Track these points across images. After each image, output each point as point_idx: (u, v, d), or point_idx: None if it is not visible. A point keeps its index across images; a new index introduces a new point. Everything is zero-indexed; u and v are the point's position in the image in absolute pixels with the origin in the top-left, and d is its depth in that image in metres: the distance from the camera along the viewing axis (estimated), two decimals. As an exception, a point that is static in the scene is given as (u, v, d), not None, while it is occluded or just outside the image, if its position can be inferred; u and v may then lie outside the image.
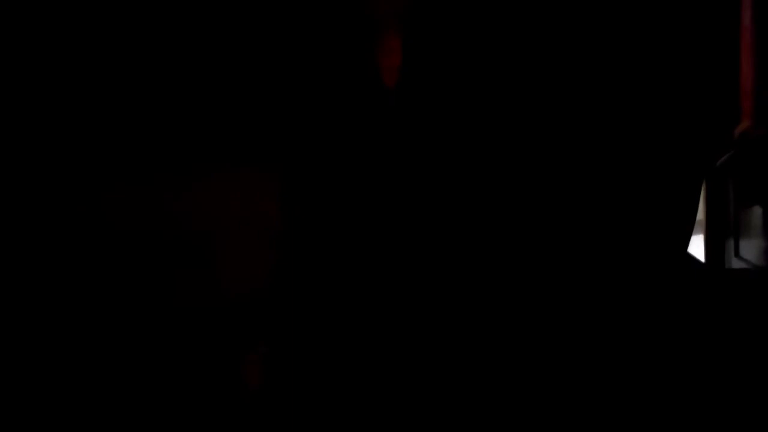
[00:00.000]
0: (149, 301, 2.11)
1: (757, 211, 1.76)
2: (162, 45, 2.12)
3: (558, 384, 1.50)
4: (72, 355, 2.05)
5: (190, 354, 2.06)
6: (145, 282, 2.12)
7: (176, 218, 2.10)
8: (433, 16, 1.65)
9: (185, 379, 2.04)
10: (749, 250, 1.81)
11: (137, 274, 2.12)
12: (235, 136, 2.12)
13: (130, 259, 2.10)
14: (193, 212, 2.08)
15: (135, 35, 2.12)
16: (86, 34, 2.07)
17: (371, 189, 1.63)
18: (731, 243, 1.88)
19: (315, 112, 1.71)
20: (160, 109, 2.15)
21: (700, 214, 1.95)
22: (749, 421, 1.60)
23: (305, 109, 1.72)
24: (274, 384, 1.68)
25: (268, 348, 1.76)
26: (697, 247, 1.94)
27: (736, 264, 1.85)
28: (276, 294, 1.66)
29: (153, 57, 2.09)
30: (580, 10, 1.76)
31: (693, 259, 1.87)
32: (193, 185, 2.13)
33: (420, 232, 1.59)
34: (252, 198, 2.07)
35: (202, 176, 2.13)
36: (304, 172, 1.72)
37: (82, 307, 2.09)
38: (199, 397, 1.97)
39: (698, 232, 1.95)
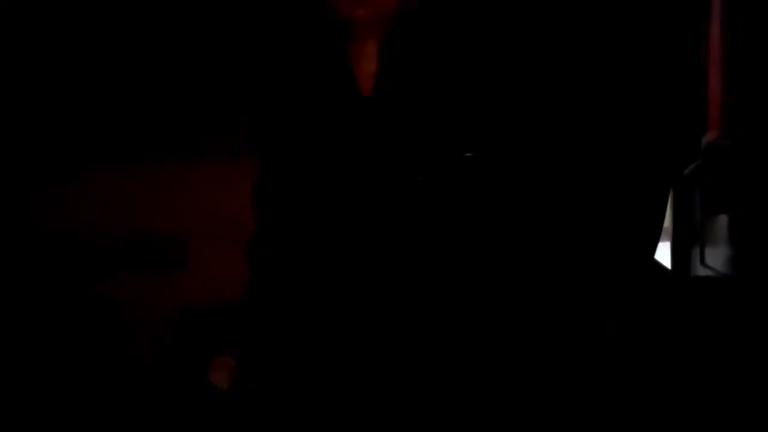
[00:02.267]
0: (116, 302, 2.09)
1: (723, 219, 1.78)
2: (138, 44, 2.11)
3: (525, 381, 1.52)
4: (46, 353, 2.03)
5: (161, 355, 2.04)
6: (111, 282, 2.10)
7: (146, 217, 2.08)
8: (411, 24, 1.65)
9: (156, 380, 2.02)
10: (714, 258, 1.83)
11: (103, 275, 2.09)
12: (207, 137, 2.12)
13: (94, 259, 2.08)
14: (163, 212, 2.06)
15: (105, 34, 2.10)
16: (54, 32, 2.05)
17: (345, 191, 1.63)
18: (697, 251, 1.90)
19: (290, 114, 1.71)
20: (132, 106, 2.13)
21: (667, 222, 1.97)
22: (714, 421, 1.62)
23: (280, 111, 1.73)
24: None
25: (238, 350, 1.76)
26: (663, 255, 1.97)
27: (701, 271, 1.87)
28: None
29: (126, 55, 2.07)
30: (552, 27, 1.78)
31: (660, 267, 1.89)
32: (163, 184, 2.12)
33: (392, 235, 1.60)
34: (224, 198, 2.06)
35: (173, 175, 2.11)
36: (278, 174, 1.72)
37: (46, 304, 2.07)
38: (170, 397, 1.95)
39: (665, 240, 1.97)
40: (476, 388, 1.51)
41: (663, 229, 1.94)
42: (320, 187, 1.65)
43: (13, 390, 2.02)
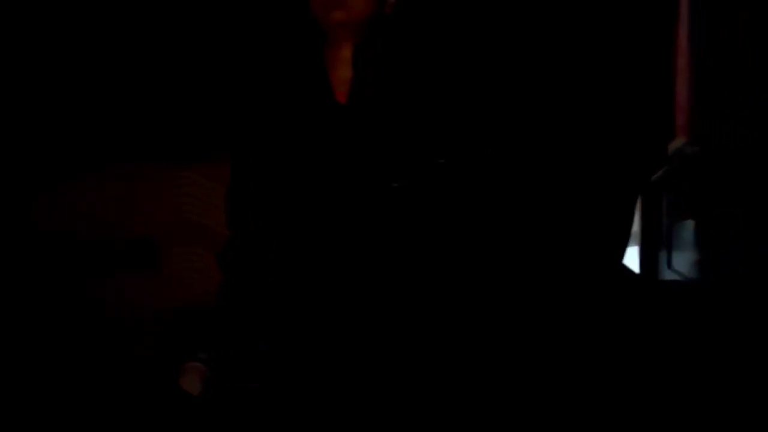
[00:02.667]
0: (89, 306, 2.08)
1: (689, 225, 1.81)
2: (110, 49, 2.10)
3: (493, 380, 1.54)
4: (21, 357, 2.03)
5: (131, 360, 2.03)
6: (84, 286, 2.09)
7: (117, 221, 2.07)
8: (386, 29, 1.67)
9: (128, 384, 2.02)
10: (681, 262, 1.87)
11: (76, 278, 2.09)
12: (181, 142, 2.12)
13: (69, 262, 2.07)
14: (134, 215, 2.06)
15: (75, 38, 2.09)
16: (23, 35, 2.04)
17: (320, 195, 1.65)
18: (664, 255, 1.93)
19: (265, 118, 1.72)
20: (103, 111, 2.13)
21: (636, 227, 2.00)
22: (675, 423, 1.65)
23: (256, 115, 1.73)
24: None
25: (208, 355, 1.77)
26: (632, 259, 2.00)
27: (668, 275, 1.90)
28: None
29: (100, 61, 2.07)
30: (525, 36, 1.80)
31: (628, 270, 1.92)
32: (134, 188, 2.11)
33: (367, 240, 1.62)
34: (195, 202, 2.06)
35: (146, 179, 2.11)
36: (252, 178, 1.73)
37: (20, 310, 2.07)
38: (141, 402, 1.95)
39: (633, 244, 2.01)
40: (459, 383, 1.53)
41: (632, 233, 1.97)
42: (296, 191, 1.66)
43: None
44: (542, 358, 1.62)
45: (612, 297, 1.78)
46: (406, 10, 1.72)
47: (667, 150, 1.84)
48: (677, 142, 1.85)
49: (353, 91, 1.65)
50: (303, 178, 1.67)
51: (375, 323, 1.57)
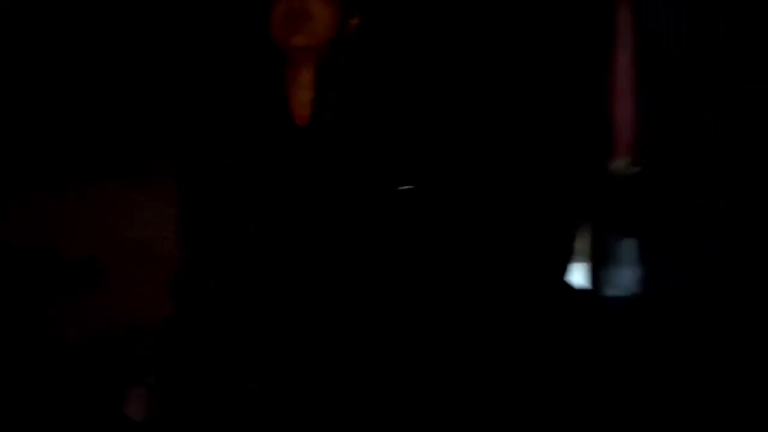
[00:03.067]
0: (27, 326, 2.07)
1: (630, 242, 1.87)
2: (54, 62, 2.10)
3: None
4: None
5: (74, 384, 2.02)
6: (22, 306, 2.08)
7: (54, 240, 2.06)
8: (347, 52, 1.71)
9: (69, 410, 2.00)
10: (624, 278, 1.92)
11: (12, 298, 2.07)
12: (134, 159, 2.12)
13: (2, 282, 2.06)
14: (72, 234, 2.04)
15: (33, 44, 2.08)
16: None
17: (279, 221, 1.68)
18: (612, 272, 1.98)
19: (221, 141, 1.75)
20: (43, 126, 2.13)
21: (584, 244, 2.05)
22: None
23: (211, 135, 1.76)
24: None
25: (154, 380, 1.78)
26: (580, 276, 2.05)
27: (611, 291, 1.96)
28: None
29: (43, 74, 2.07)
30: (478, 59, 1.84)
31: (570, 287, 1.96)
32: (73, 206, 2.10)
33: (336, 261, 1.64)
34: (137, 222, 2.07)
35: (83, 197, 2.09)
36: (205, 198, 1.76)
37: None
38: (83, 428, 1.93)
39: (582, 261, 2.05)
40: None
41: (578, 251, 2.02)
42: (253, 214, 1.69)
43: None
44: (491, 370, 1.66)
45: (556, 312, 1.82)
46: (367, 33, 1.75)
47: (607, 170, 1.89)
48: (618, 162, 1.90)
49: (314, 114, 1.69)
50: (262, 201, 1.70)
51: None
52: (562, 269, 1.85)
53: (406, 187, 1.65)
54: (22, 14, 2.02)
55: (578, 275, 2.01)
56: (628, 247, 1.91)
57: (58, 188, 2.08)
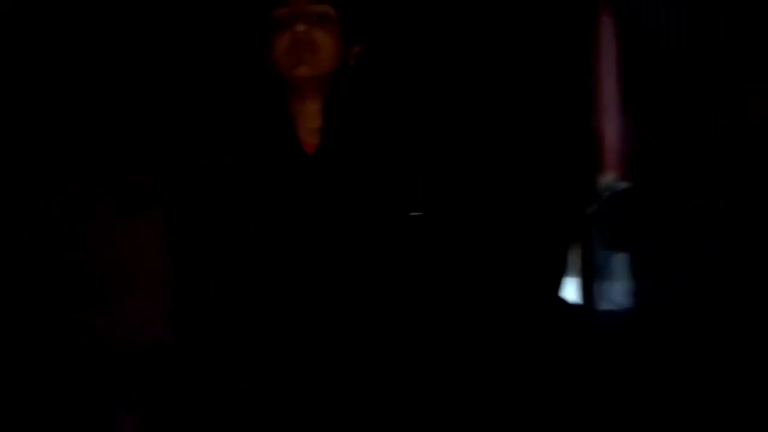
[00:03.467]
0: (33, 338, 2.02)
1: (622, 257, 1.89)
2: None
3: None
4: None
5: (67, 403, 1.98)
6: (33, 316, 2.03)
7: (57, 253, 2.03)
8: (352, 82, 1.72)
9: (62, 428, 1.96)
10: (615, 292, 1.94)
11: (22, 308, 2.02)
12: (134, 162, 2.08)
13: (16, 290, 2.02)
14: (78, 248, 2.01)
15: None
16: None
17: (286, 245, 1.69)
18: (601, 286, 2.00)
19: (227, 170, 1.76)
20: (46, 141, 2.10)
21: (576, 259, 2.07)
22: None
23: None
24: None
25: (150, 411, 1.76)
26: (571, 291, 2.06)
27: (604, 305, 1.98)
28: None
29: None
30: (476, 80, 1.85)
31: (563, 301, 1.98)
32: (89, 220, 2.06)
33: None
34: (143, 238, 2.03)
35: (88, 203, 2.04)
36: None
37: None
38: None
39: (573, 276, 2.07)
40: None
41: (568, 266, 2.03)
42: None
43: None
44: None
45: (550, 327, 1.83)
46: (369, 61, 1.77)
47: (596, 185, 1.91)
48: (608, 177, 1.92)
49: (322, 141, 1.70)
50: (270, 226, 1.70)
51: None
52: (556, 284, 1.87)
53: (414, 213, 1.67)
54: (22, 15, 2.02)
55: (571, 290, 2.02)
56: (619, 261, 1.93)
57: (54, 194, 2.05)
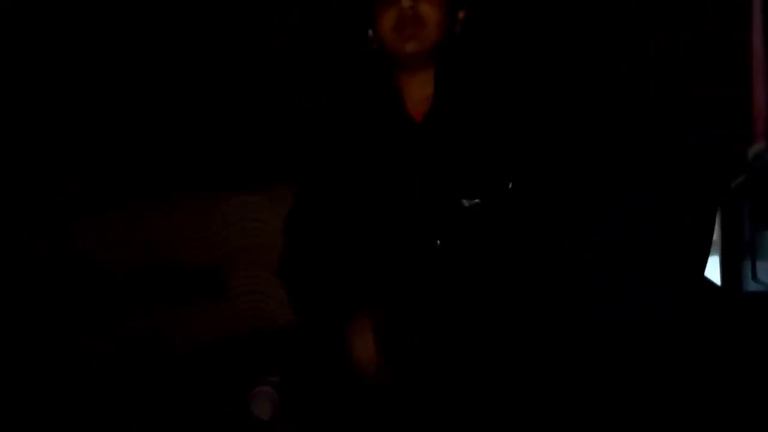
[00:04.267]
0: (155, 334, 2.07)
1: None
2: (187, 73, 2.10)
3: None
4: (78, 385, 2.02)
5: (201, 386, 2.02)
6: (152, 314, 2.08)
7: (182, 249, 2.06)
8: (459, 50, 1.67)
9: (197, 412, 2.00)
10: (765, 272, 1.81)
11: (142, 307, 2.07)
12: (240, 167, 2.11)
13: (137, 291, 2.07)
14: (199, 243, 2.04)
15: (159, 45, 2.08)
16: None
17: (392, 213, 1.64)
18: (748, 266, 1.87)
19: (339, 139, 1.73)
20: (168, 139, 2.13)
21: (717, 237, 1.95)
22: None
23: (330, 136, 1.74)
24: (287, 410, 1.66)
25: (278, 379, 1.74)
26: (713, 270, 1.94)
27: (753, 287, 1.85)
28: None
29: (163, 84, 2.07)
30: (593, 56, 1.78)
31: (709, 283, 1.86)
32: (198, 216, 2.10)
33: (434, 257, 1.60)
34: (261, 227, 2.05)
35: (208, 206, 2.09)
36: (320, 198, 1.72)
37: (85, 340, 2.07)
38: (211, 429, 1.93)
39: (714, 254, 1.95)
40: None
41: (712, 243, 1.92)
42: (366, 209, 1.66)
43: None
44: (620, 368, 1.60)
45: (695, 309, 1.73)
46: (476, 25, 1.72)
47: (746, 156, 1.79)
48: (757, 147, 1.80)
49: (432, 109, 1.66)
50: (377, 195, 1.67)
51: (462, 340, 1.57)
52: (701, 263, 1.77)
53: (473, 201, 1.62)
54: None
55: (712, 270, 1.91)
56: (766, 239, 1.80)
57: (167, 201, 2.09)
